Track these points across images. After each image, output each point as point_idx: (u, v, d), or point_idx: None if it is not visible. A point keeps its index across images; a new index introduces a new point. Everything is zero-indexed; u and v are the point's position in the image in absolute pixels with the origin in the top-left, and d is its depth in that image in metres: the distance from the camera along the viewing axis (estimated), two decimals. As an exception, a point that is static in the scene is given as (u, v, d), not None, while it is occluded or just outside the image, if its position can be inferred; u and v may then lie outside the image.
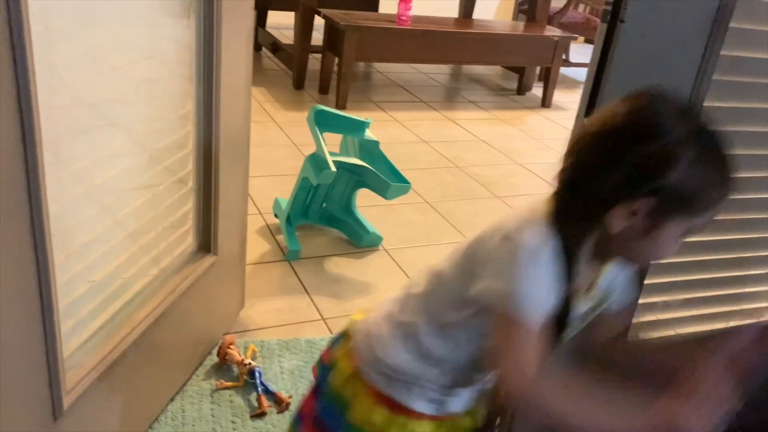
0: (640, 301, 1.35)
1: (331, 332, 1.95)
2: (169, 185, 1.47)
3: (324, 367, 1.05)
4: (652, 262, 0.85)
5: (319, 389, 1.04)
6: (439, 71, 5.12)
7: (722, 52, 1.10)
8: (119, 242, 1.32)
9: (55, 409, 1.10)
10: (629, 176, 0.75)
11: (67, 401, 1.12)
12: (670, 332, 1.48)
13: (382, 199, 2.34)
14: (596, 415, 0.76)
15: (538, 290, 0.77)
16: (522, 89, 4.70)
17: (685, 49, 1.08)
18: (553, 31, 4.47)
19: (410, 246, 2.50)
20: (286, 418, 1.57)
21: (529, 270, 0.76)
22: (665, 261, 1.34)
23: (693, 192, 0.75)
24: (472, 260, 0.85)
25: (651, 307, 1.40)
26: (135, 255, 1.38)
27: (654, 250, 0.81)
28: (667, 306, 1.44)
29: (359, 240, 2.40)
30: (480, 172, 3.32)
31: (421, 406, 0.96)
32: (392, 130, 3.71)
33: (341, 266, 2.31)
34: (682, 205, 0.76)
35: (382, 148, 2.40)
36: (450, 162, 3.42)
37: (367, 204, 2.55)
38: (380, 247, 2.44)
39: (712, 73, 1.11)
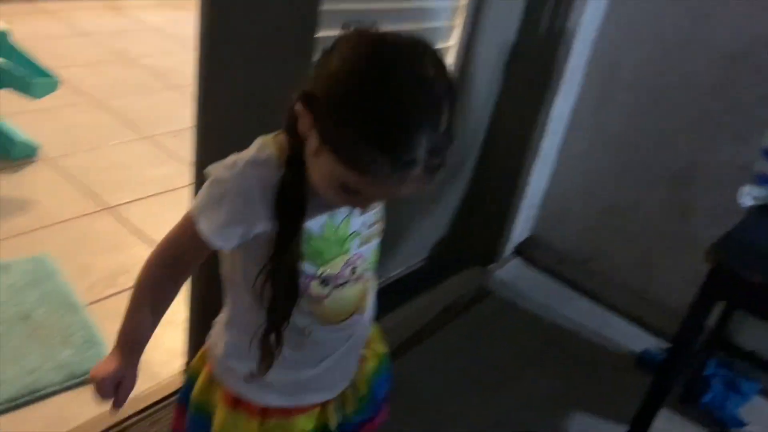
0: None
1: (-15, 261, 1.67)
2: None
3: (188, 378, 0.94)
4: (335, 206, 0.75)
5: (185, 402, 0.93)
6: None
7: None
8: None
9: None
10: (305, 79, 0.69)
11: None
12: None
13: (35, 103, 2.02)
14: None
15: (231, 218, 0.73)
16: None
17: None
18: None
19: (77, 151, 2.22)
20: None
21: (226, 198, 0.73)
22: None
23: (335, 128, 0.65)
24: None
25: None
26: None
27: (320, 182, 0.70)
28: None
29: (8, 152, 2.06)
30: (153, 62, 3.07)
31: (272, 399, 0.85)
32: (40, 23, 3.20)
33: (-10, 184, 1.98)
34: (328, 141, 0.66)
35: (27, 44, 2.04)
36: (117, 55, 3.09)
37: (16, 110, 2.18)
38: (38, 157, 2.13)
39: None
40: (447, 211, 1.85)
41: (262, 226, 0.72)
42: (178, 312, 1.08)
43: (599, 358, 1.77)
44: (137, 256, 1.80)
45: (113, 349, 0.79)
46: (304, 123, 0.68)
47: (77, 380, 1.36)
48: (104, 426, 1.25)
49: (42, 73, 1.99)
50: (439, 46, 1.49)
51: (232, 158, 0.74)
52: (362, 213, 0.79)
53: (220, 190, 0.72)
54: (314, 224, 0.76)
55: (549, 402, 1.60)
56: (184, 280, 0.81)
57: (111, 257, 1.76)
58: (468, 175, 1.83)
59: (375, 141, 0.63)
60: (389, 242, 1.71)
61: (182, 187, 2.13)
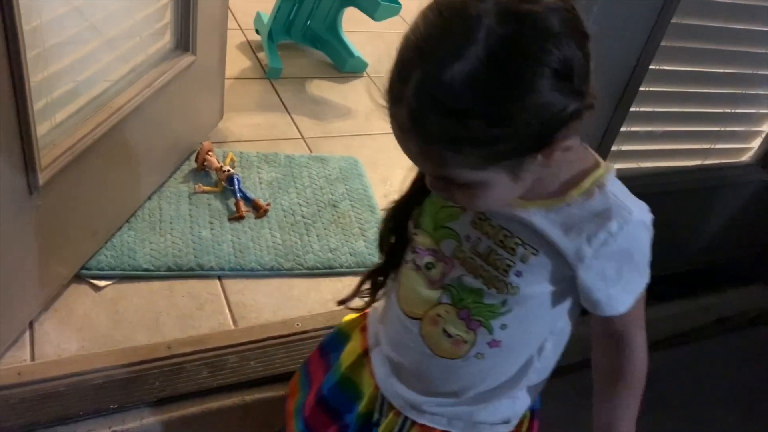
0: (622, 129, 1.35)
1: (310, 151, 1.94)
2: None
3: (338, 333, 0.97)
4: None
5: (328, 359, 0.94)
6: None
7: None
8: (89, 28, 1.25)
9: (30, 183, 1.10)
10: None
11: (42, 177, 1.11)
12: (647, 164, 1.50)
13: (370, 25, 2.24)
14: None
15: None
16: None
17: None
18: None
19: (395, 75, 2.43)
20: (263, 223, 1.60)
21: None
22: (653, 89, 1.33)
23: None
24: None
25: (633, 136, 1.40)
26: (109, 46, 1.32)
27: None
28: (649, 136, 1.45)
29: (343, 64, 2.33)
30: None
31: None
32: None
33: (323, 89, 2.26)
34: None
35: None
36: (442, -5, 3.27)
37: (353, 29, 2.45)
38: (364, 74, 2.38)
39: None
40: (755, 216, 1.69)
41: None
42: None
43: None
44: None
45: None
46: None
47: (365, 269, 1.54)
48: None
49: (389, -3, 2.19)
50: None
51: None
52: (467, 208, 0.74)
53: None
54: None
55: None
56: None
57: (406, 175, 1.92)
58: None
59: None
60: (673, 234, 1.60)
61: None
